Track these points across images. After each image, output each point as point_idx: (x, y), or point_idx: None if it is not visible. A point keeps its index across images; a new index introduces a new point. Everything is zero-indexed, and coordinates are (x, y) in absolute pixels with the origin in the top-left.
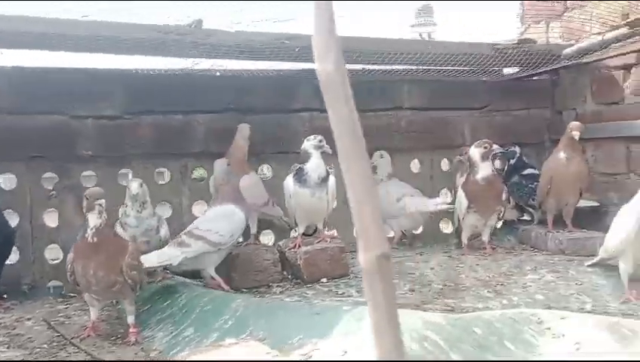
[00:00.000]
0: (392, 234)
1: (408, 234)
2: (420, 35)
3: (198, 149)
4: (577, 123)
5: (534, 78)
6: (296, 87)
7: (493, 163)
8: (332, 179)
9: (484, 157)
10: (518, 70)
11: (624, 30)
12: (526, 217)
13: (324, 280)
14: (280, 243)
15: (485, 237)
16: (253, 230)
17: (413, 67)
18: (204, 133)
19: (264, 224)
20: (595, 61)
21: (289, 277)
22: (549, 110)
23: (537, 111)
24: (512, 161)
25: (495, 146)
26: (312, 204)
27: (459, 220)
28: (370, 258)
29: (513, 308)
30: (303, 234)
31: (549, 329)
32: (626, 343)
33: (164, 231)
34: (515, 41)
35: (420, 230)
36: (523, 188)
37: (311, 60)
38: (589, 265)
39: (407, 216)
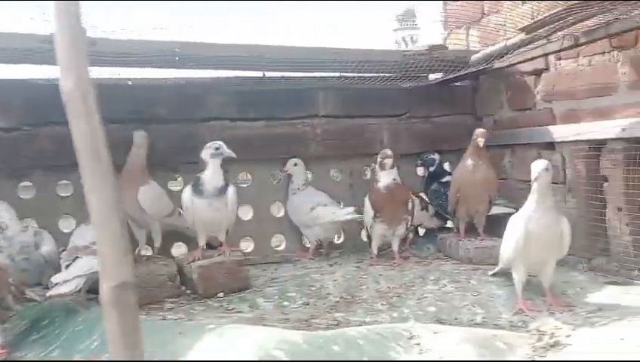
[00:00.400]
0: (309, 244)
1: (325, 244)
2: (403, 38)
3: None
4: (482, 130)
5: (457, 84)
6: (206, 95)
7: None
8: (231, 189)
9: (381, 167)
10: (440, 76)
11: (522, 36)
12: (449, 225)
13: (221, 294)
14: (180, 256)
15: (395, 247)
16: (157, 243)
17: (327, 74)
18: (108, 143)
19: (176, 236)
20: (507, 67)
21: (187, 292)
22: (470, 116)
23: (459, 117)
24: (432, 169)
25: (387, 153)
26: (210, 215)
27: (367, 230)
28: (106, 288)
29: (402, 321)
30: (209, 246)
31: (418, 344)
32: (496, 357)
33: (46, 246)
34: (426, 48)
35: (340, 239)
36: (441, 195)
37: (214, 67)
38: (491, 274)
39: (320, 226)
